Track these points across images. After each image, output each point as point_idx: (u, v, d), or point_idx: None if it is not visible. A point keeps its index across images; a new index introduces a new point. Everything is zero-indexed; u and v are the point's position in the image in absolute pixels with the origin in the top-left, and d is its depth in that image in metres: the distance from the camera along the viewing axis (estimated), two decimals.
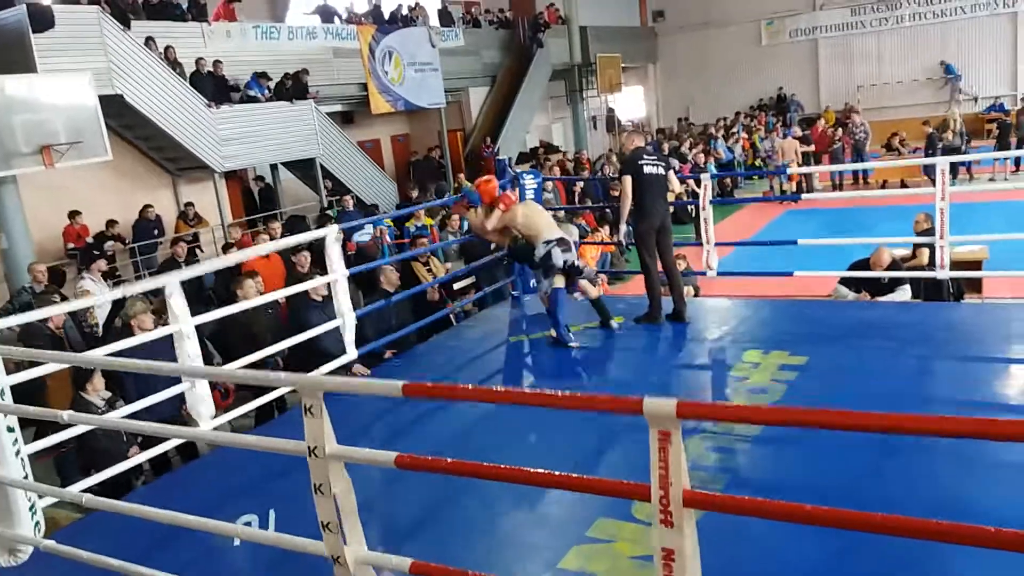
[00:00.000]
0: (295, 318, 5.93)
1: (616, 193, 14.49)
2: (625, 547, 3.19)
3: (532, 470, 2.16)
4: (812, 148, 17.90)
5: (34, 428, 4.86)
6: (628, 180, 5.94)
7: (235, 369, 4.44)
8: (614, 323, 5.85)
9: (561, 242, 5.53)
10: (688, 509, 1.81)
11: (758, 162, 20.52)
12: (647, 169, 5.99)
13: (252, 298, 5.59)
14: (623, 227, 6.04)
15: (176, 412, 4.88)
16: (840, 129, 19.37)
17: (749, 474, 3.78)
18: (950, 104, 22.51)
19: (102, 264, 9.52)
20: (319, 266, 6.65)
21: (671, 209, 6.23)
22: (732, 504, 2.01)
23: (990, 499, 3.27)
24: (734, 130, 21.69)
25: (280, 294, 5.80)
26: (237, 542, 3.62)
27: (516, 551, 3.35)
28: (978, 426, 1.54)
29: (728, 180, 18.59)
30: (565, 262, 5.51)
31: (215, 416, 4.70)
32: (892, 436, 3.62)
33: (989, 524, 1.55)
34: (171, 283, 4.26)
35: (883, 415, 1.63)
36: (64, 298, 8.76)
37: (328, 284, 5.49)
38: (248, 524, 3.70)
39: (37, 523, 3.30)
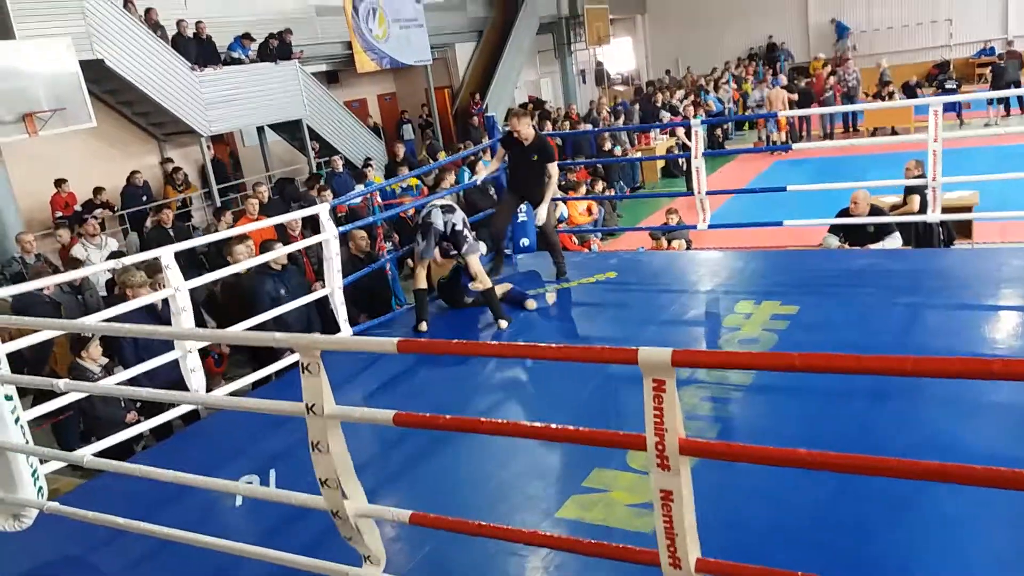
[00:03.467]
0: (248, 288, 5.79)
1: (608, 147, 14.56)
2: (621, 496, 3.24)
3: (529, 424, 2.19)
4: (796, 97, 17.70)
5: (32, 396, 4.89)
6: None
7: (229, 331, 4.44)
8: (503, 323, 5.44)
9: (446, 207, 5.42)
10: (684, 457, 1.83)
11: (748, 112, 20.38)
12: None
13: (243, 262, 5.57)
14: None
15: (178, 379, 4.90)
16: (831, 77, 19.20)
17: (742, 424, 3.82)
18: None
19: (92, 226, 9.29)
20: (312, 230, 6.60)
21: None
22: (727, 451, 2.03)
23: (979, 441, 3.33)
24: (723, 80, 21.47)
25: (269, 256, 5.75)
26: (239, 502, 3.67)
27: (514, 502, 3.40)
28: (967, 366, 1.55)
29: (719, 132, 18.45)
30: (446, 223, 5.33)
31: (210, 381, 4.73)
32: (882, 385, 3.69)
33: (979, 464, 1.57)
34: (166, 254, 4.30)
35: (875, 357, 1.65)
36: (55, 268, 8.73)
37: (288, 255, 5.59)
38: (249, 484, 3.75)
39: (40, 488, 3.33)
